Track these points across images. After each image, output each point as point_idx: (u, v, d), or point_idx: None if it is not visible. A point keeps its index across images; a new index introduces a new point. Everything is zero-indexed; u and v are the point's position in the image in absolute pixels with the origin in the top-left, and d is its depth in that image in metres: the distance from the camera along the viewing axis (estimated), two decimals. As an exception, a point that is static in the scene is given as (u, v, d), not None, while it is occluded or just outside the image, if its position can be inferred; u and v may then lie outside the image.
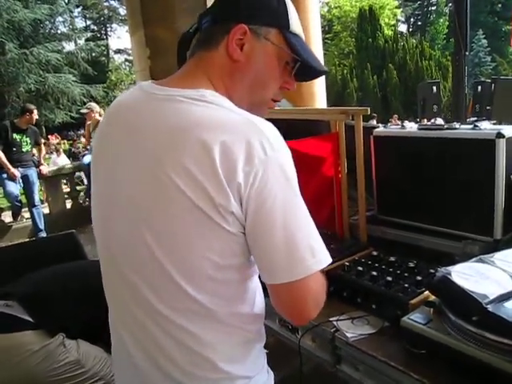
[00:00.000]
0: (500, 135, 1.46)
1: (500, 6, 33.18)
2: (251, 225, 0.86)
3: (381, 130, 1.83)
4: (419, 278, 1.37)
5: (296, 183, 0.88)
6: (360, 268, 1.47)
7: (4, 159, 5.92)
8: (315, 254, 0.87)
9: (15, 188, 6.23)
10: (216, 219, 0.84)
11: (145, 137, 0.91)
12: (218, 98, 0.91)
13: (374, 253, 1.61)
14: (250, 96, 1.01)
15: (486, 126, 1.57)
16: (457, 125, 1.64)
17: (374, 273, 1.42)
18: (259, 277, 0.95)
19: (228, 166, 0.82)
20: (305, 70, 1.03)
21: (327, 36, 31.02)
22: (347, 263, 1.52)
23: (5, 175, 6.04)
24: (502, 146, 1.46)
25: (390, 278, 1.37)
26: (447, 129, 1.62)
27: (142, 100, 0.96)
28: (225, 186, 0.82)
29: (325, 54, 28.41)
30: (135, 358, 0.97)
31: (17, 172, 6.05)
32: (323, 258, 0.89)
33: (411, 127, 1.75)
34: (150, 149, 0.89)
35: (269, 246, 0.86)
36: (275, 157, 0.84)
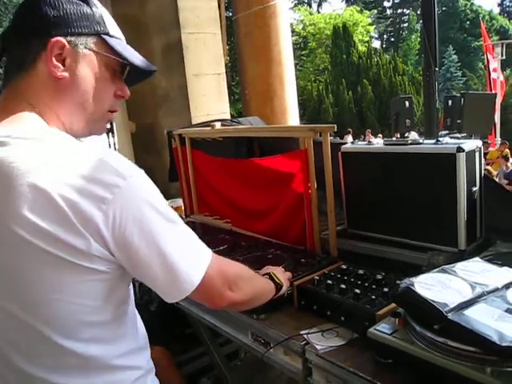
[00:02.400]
0: (460, 149, 1.52)
1: (468, 23, 34.24)
2: (128, 261, 0.84)
3: (348, 146, 1.88)
4: (386, 289, 1.41)
5: (157, 201, 0.85)
6: (329, 281, 1.50)
7: None
8: (196, 265, 0.89)
9: None
10: (79, 262, 0.79)
11: None
12: (46, 131, 0.84)
13: (344, 266, 1.64)
14: (84, 113, 0.93)
15: (448, 141, 1.63)
16: (420, 140, 1.70)
17: (343, 286, 1.45)
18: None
19: (78, 210, 0.76)
20: (134, 72, 0.98)
21: (303, 53, 31.55)
22: (317, 277, 1.55)
23: None
24: (462, 160, 1.52)
25: (358, 291, 1.41)
26: (411, 144, 1.68)
27: None
28: (81, 230, 0.77)
29: (300, 70, 28.96)
30: None
31: None
32: (205, 257, 0.91)
33: (377, 143, 1.81)
34: None
35: (151, 275, 0.86)
36: (128, 185, 0.80)
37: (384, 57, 26.48)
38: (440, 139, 1.64)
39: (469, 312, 1.06)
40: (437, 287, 1.18)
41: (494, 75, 14.03)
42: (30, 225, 0.76)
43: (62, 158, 0.80)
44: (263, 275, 1.29)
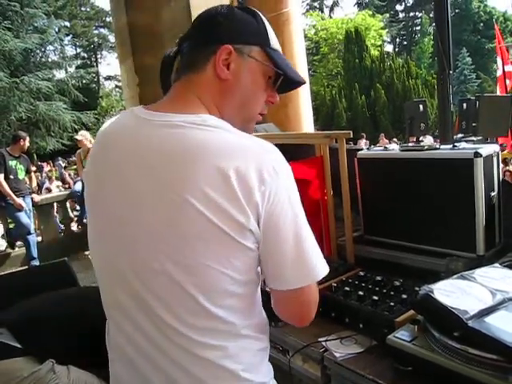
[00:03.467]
0: (477, 154, 1.52)
1: (482, 24, 33.95)
2: (266, 238, 0.92)
3: (364, 152, 1.88)
4: (405, 296, 1.41)
5: (299, 199, 0.95)
6: (347, 288, 1.50)
7: (8, 189, 5.83)
8: (320, 262, 0.96)
9: (26, 218, 6.14)
10: (236, 237, 0.89)
11: (149, 163, 0.92)
12: (220, 122, 0.95)
13: (361, 273, 1.64)
14: (241, 113, 1.05)
15: (465, 146, 1.62)
16: (437, 145, 1.69)
17: (361, 293, 1.45)
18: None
19: (245, 188, 0.87)
20: (286, 82, 1.08)
21: (315, 58, 31.54)
22: (335, 284, 1.55)
23: (12, 207, 5.93)
24: (479, 165, 1.51)
25: (376, 298, 1.40)
26: (427, 149, 1.67)
27: (136, 126, 0.98)
28: (244, 206, 0.87)
29: (313, 75, 28.94)
30: (153, 381, 0.99)
31: (23, 202, 5.99)
32: (325, 265, 0.98)
33: (393, 149, 1.81)
34: (159, 175, 0.91)
35: (282, 256, 0.93)
36: (283, 177, 0.91)
37: (397, 60, 26.36)
38: (457, 144, 1.63)
39: (490, 319, 1.06)
40: (456, 294, 1.17)
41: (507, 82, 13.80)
42: (207, 199, 0.87)
43: (235, 144, 0.91)
44: None
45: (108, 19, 31.75)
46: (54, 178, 13.19)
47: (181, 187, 0.88)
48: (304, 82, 1.14)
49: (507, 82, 12.79)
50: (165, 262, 0.92)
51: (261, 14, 1.06)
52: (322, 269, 0.96)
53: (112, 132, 1.04)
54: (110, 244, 1.01)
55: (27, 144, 6.30)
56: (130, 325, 1.00)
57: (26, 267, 5.77)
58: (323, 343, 1.37)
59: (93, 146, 1.09)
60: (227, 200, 0.87)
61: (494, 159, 1.60)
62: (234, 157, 0.88)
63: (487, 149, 1.57)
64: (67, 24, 28.40)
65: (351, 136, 1.78)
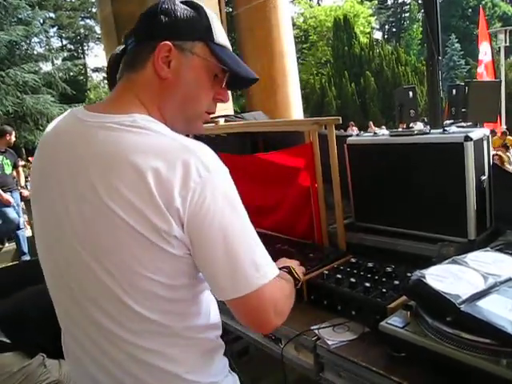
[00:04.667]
0: (468, 138, 1.50)
1: (470, 10, 33.96)
2: (195, 247, 0.88)
3: (354, 138, 1.86)
4: (397, 282, 1.40)
5: (235, 201, 0.90)
6: (339, 276, 1.49)
7: None
8: (259, 269, 0.90)
9: (14, 213, 6.08)
10: (160, 244, 0.86)
11: (81, 166, 0.91)
12: (150, 122, 0.92)
13: (353, 260, 1.63)
14: (183, 112, 1.02)
15: (455, 130, 1.61)
16: (426, 129, 1.68)
17: (353, 279, 1.44)
18: None
19: (164, 191, 0.83)
20: (236, 79, 1.05)
21: (304, 46, 31.39)
22: (326, 271, 1.54)
23: None
24: (470, 149, 1.50)
25: (368, 284, 1.39)
26: (417, 134, 1.66)
27: (76, 128, 0.96)
28: (164, 210, 0.84)
29: (302, 63, 28.83)
30: (102, 382, 0.99)
31: (10, 197, 5.93)
32: (269, 271, 0.92)
33: (383, 134, 1.79)
34: (86, 178, 0.89)
35: (213, 266, 0.89)
36: (210, 178, 0.86)
37: (386, 47, 26.36)
38: (447, 128, 1.62)
39: (482, 303, 1.05)
40: (448, 279, 1.16)
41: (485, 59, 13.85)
42: (126, 203, 0.85)
43: (158, 144, 0.88)
44: (282, 268, 1.26)
45: (94, 10, 31.31)
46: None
47: (102, 192, 0.87)
48: (256, 79, 1.09)
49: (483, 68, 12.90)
50: (97, 268, 0.91)
51: (205, 8, 1.02)
52: (261, 276, 0.90)
53: (54, 136, 1.02)
54: (47, 251, 1.02)
55: (13, 138, 6.22)
56: (80, 333, 1.00)
57: (17, 262, 5.74)
58: (316, 331, 1.36)
59: (37, 151, 1.06)
60: (145, 203, 0.84)
61: (485, 143, 1.60)
62: (152, 156, 0.85)
63: (477, 133, 1.56)
64: (52, 15, 27.97)
65: (340, 122, 1.76)
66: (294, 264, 1.32)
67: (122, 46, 1.05)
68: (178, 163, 0.84)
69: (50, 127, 1.05)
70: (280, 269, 1.23)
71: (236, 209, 0.90)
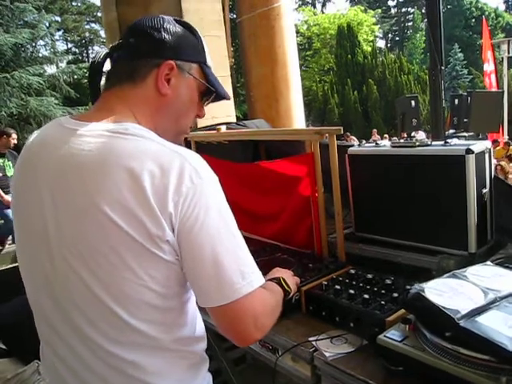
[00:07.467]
0: (469, 151, 1.50)
1: (474, 20, 34.05)
2: (183, 251, 0.90)
3: (355, 148, 1.86)
4: (396, 294, 1.39)
5: (224, 208, 0.92)
6: (338, 287, 1.48)
7: None
8: (245, 277, 0.91)
9: None
10: (153, 249, 0.87)
11: (67, 174, 0.91)
12: (141, 130, 0.94)
13: (352, 271, 1.61)
14: (175, 126, 1.07)
15: (457, 142, 1.61)
16: (428, 141, 1.67)
17: (352, 291, 1.43)
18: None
19: (159, 195, 0.85)
20: (214, 98, 1.12)
21: (307, 53, 31.46)
22: (325, 282, 1.53)
23: (0, 204, 5.86)
24: (471, 162, 1.50)
25: (367, 296, 1.38)
26: (419, 146, 1.65)
27: (61, 137, 0.96)
28: (158, 215, 0.85)
29: (305, 70, 28.90)
30: None
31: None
32: (254, 279, 0.93)
33: (384, 145, 1.79)
34: (80, 186, 0.90)
35: (199, 271, 0.90)
36: (201, 184, 0.88)
37: (389, 56, 26.36)
38: (448, 141, 1.61)
39: (481, 319, 1.04)
40: (448, 293, 1.15)
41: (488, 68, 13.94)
42: (122, 207, 0.85)
43: (152, 150, 0.89)
44: (272, 279, 1.26)
45: (99, 14, 31.44)
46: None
47: (95, 197, 0.87)
48: (228, 98, 1.16)
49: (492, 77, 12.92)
50: (84, 275, 0.90)
51: (198, 31, 1.09)
52: (247, 284, 0.91)
53: (40, 145, 1.01)
54: (31, 257, 1.01)
55: (14, 141, 6.22)
56: (60, 343, 0.98)
57: (17, 264, 5.72)
58: (313, 343, 1.35)
59: (20, 161, 1.05)
60: (140, 206, 0.85)
61: (486, 156, 1.59)
62: (147, 161, 0.86)
63: (479, 145, 1.55)
64: (58, 19, 28.07)
65: (342, 132, 1.75)
66: (286, 275, 1.34)
67: (102, 54, 1.06)
68: (172, 168, 0.86)
69: (32, 137, 1.05)
70: (270, 280, 1.24)
71: (224, 216, 0.92)
